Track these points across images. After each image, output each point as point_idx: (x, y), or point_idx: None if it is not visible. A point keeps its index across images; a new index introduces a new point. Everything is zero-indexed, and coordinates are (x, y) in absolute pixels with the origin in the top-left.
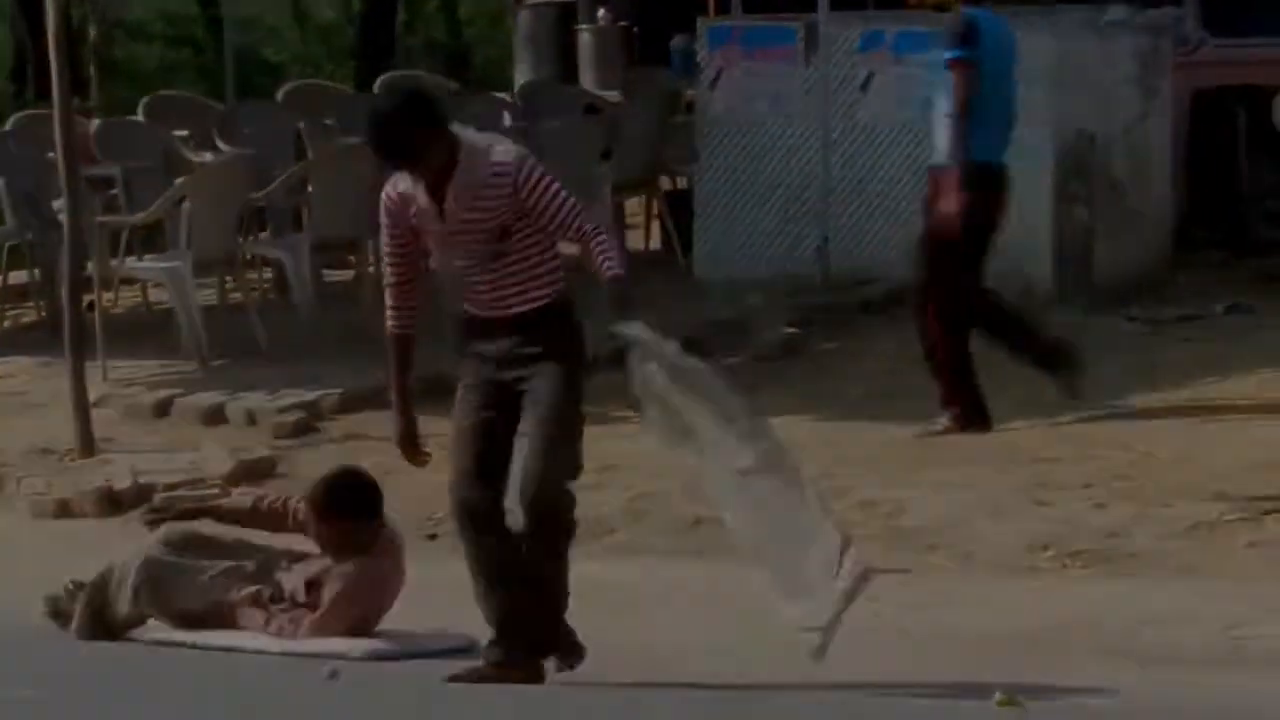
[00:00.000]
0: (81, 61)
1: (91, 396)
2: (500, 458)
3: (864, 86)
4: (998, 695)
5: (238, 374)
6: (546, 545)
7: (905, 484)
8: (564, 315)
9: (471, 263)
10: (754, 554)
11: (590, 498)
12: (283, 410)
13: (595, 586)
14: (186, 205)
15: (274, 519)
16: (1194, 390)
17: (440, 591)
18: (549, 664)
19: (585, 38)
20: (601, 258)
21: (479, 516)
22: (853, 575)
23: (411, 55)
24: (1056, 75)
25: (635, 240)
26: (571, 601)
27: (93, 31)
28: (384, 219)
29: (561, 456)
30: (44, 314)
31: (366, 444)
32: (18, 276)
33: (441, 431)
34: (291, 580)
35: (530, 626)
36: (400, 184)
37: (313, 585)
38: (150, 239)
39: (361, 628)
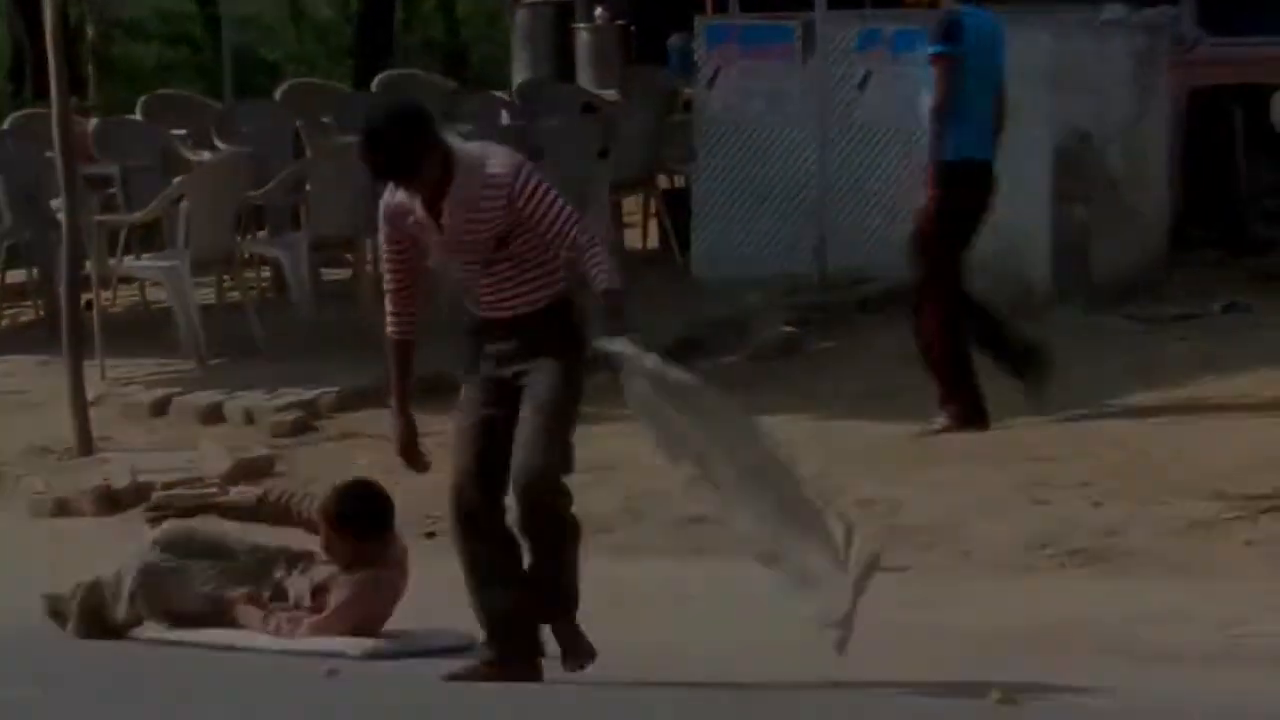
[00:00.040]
0: (79, 60)
1: (90, 395)
2: (501, 456)
3: (862, 85)
4: (995, 693)
5: (236, 373)
6: (544, 542)
7: (903, 482)
8: (564, 314)
9: (471, 268)
10: (767, 558)
11: (589, 496)
12: (281, 409)
13: (594, 585)
14: (184, 204)
15: (277, 514)
16: (1191, 389)
17: (439, 590)
18: (564, 665)
19: (583, 36)
20: (595, 270)
21: (478, 515)
22: (862, 563)
23: (409, 54)
24: (1053, 75)
25: (633, 239)
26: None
27: (90, 30)
28: (382, 226)
29: (555, 448)
30: (42, 313)
31: (364, 442)
32: (16, 275)
33: (442, 430)
34: (297, 586)
35: (523, 627)
36: (398, 193)
37: (319, 591)
38: (148, 238)
39: (362, 633)
